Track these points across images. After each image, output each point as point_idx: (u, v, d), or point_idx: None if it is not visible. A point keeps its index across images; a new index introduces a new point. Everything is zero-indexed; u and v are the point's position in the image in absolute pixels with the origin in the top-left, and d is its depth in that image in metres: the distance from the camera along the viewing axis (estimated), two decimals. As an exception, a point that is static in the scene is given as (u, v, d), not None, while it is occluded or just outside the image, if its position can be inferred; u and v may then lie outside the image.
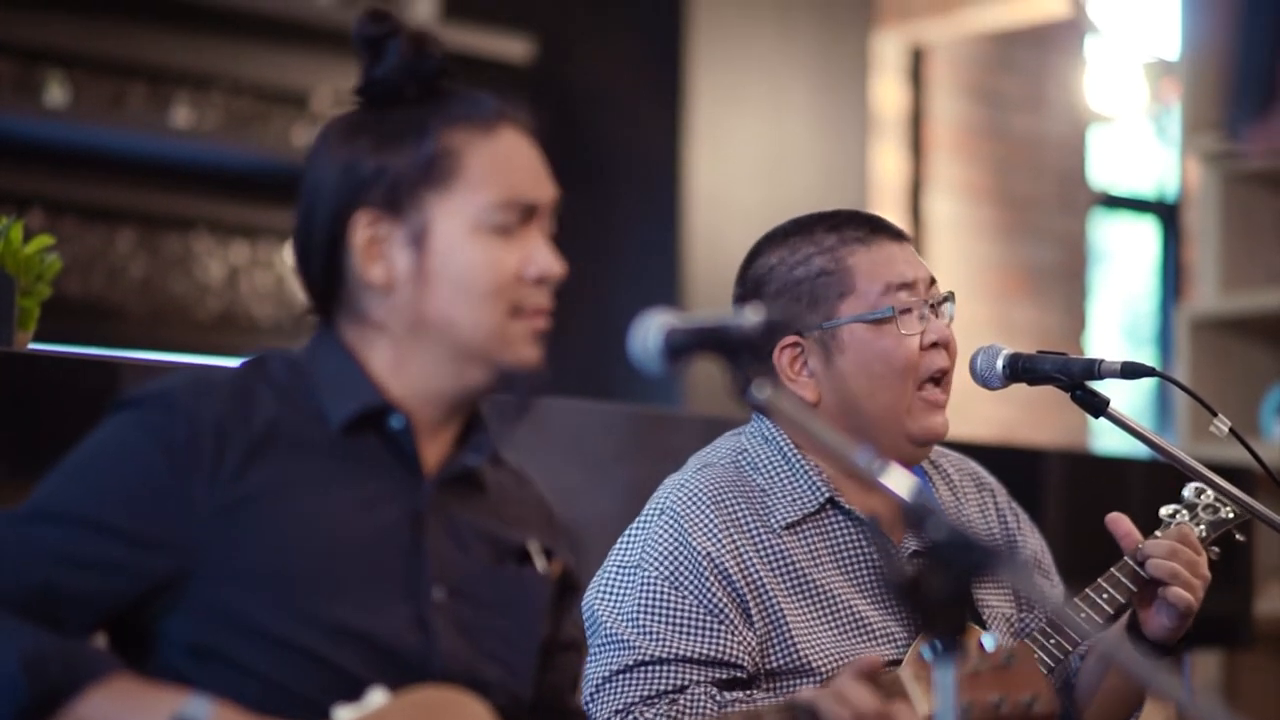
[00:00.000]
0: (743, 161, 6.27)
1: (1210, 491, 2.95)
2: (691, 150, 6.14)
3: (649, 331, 2.12)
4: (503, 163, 2.22)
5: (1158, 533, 2.90)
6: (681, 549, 2.79)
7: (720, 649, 2.75)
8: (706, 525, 2.80)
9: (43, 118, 5.71)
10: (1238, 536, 2.99)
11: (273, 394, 2.20)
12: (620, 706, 2.74)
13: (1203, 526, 2.94)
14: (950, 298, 2.94)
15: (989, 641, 2.32)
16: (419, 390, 2.23)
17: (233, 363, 2.27)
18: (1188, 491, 2.98)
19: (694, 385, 5.79)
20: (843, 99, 6.59)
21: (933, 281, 2.92)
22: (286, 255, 5.87)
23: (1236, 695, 5.78)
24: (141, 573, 2.10)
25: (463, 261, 2.19)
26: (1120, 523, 2.88)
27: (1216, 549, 2.96)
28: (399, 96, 2.24)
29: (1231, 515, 2.96)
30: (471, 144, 2.21)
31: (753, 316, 2.08)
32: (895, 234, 2.94)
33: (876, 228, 2.94)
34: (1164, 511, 2.95)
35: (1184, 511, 2.96)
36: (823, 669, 2.76)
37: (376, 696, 2.10)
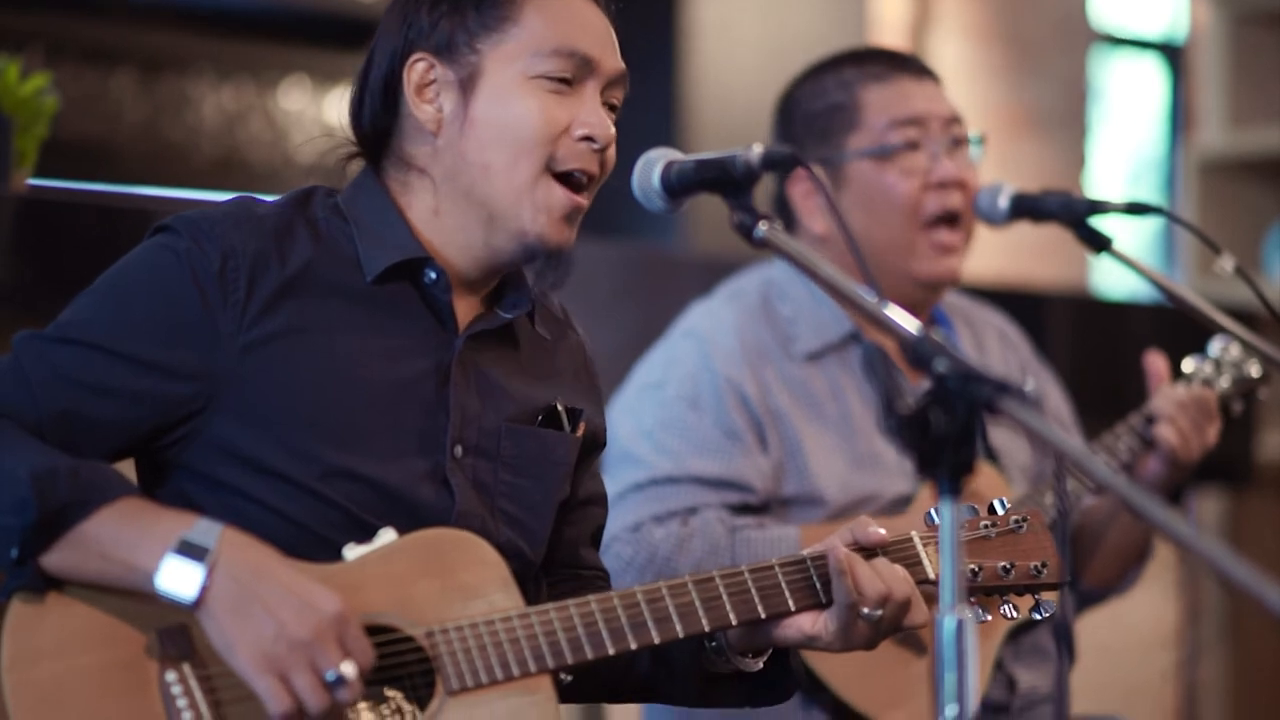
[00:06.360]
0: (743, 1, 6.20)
1: (1235, 347, 2.94)
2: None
3: (650, 168, 2.12)
4: (562, 15, 2.22)
5: (1180, 385, 2.90)
6: (704, 371, 2.81)
7: (733, 471, 2.77)
8: (730, 351, 2.82)
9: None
10: (1260, 394, 2.98)
11: (311, 234, 2.20)
12: (631, 523, 2.77)
13: (1226, 381, 2.94)
14: (977, 140, 2.92)
15: (999, 506, 2.32)
16: (454, 243, 2.22)
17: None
18: (1213, 346, 2.96)
19: (696, 225, 5.77)
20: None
21: (954, 121, 2.90)
22: (294, 97, 5.83)
23: (1239, 538, 5.81)
24: (162, 402, 2.11)
25: (508, 109, 2.19)
26: (1155, 363, 2.88)
27: (1239, 404, 2.95)
28: None
29: (1256, 373, 2.95)
30: None
31: (754, 151, 2.07)
32: (919, 72, 2.93)
33: (899, 65, 2.93)
34: (1188, 365, 2.94)
35: (1208, 365, 2.95)
36: (833, 500, 2.78)
37: (387, 535, 2.12)
